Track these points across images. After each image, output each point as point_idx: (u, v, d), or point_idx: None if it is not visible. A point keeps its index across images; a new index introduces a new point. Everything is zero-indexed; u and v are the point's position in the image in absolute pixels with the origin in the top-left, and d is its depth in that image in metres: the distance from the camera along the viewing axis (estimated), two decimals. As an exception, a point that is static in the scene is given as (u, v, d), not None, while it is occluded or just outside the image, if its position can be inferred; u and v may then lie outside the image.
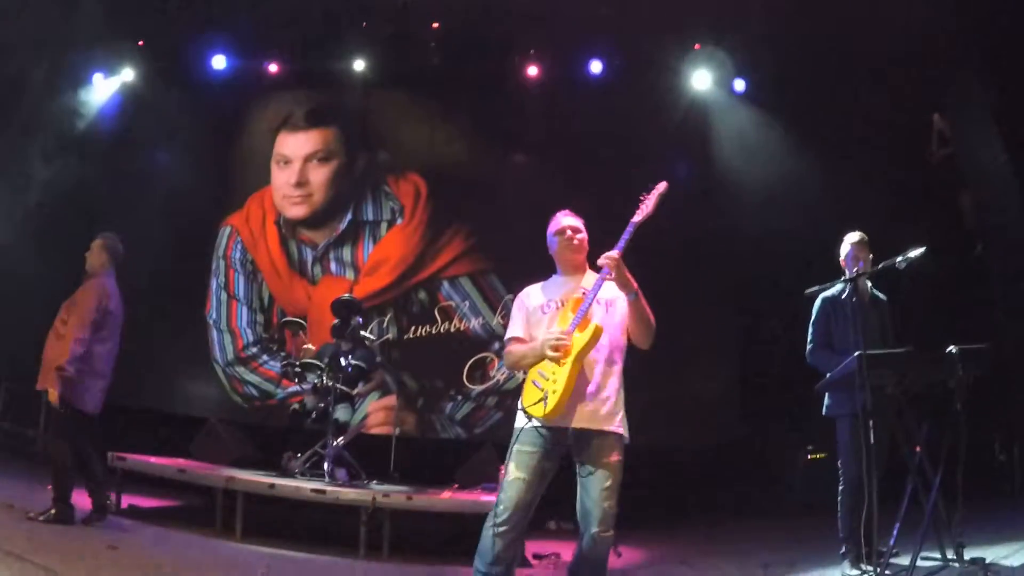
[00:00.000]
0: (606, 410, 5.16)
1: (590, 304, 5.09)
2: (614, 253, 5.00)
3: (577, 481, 5.16)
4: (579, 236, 5.42)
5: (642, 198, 5.14)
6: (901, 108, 9.80)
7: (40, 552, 6.09)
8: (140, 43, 11.32)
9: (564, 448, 5.16)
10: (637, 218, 5.09)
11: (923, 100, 9.97)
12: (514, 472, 5.10)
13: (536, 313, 5.38)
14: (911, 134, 10.31)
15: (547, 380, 5.11)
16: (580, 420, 5.10)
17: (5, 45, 9.69)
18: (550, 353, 5.03)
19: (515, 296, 5.56)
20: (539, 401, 5.10)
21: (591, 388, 5.12)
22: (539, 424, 5.10)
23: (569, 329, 5.05)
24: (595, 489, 5.04)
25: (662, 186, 5.16)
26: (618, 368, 5.28)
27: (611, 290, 5.27)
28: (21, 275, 10.00)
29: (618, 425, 5.21)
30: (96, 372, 7.58)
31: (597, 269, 5.12)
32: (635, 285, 5.06)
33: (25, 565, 5.69)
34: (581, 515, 5.11)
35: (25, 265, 10.03)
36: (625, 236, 5.05)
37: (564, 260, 5.46)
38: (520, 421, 5.19)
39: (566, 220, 5.49)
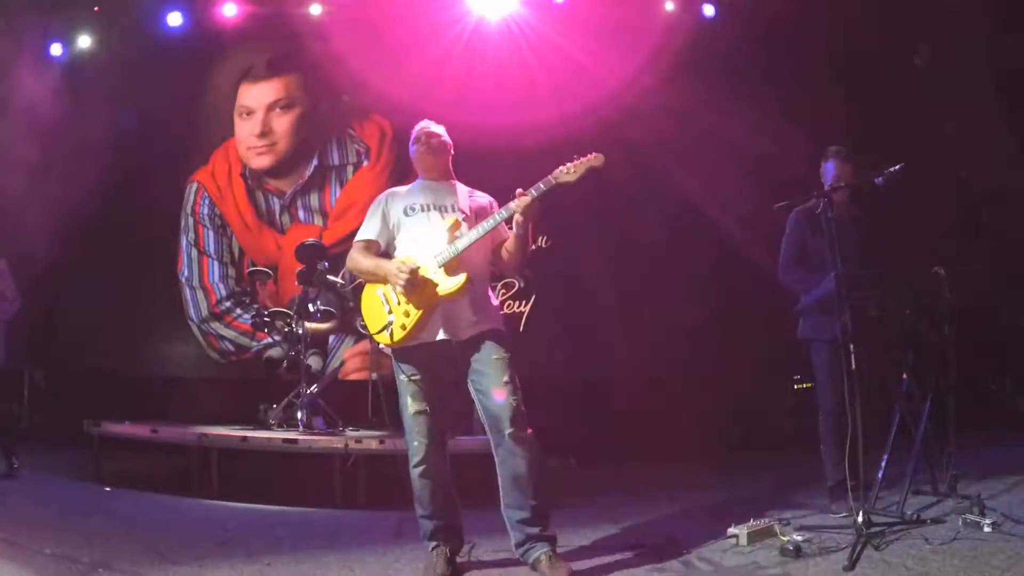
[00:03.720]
0: (479, 315, 4.98)
1: (468, 245, 4.93)
2: (526, 200, 4.81)
3: (471, 390, 4.97)
4: (435, 139, 5.28)
5: (574, 160, 4.84)
6: (883, 25, 9.58)
7: (10, 524, 6.05)
8: (96, 8, 11.10)
9: (449, 354, 4.98)
10: (558, 179, 4.82)
11: (908, 17, 9.73)
12: (412, 405, 4.93)
13: (399, 215, 5.17)
14: (894, 52, 10.08)
15: (396, 305, 4.96)
16: (453, 332, 4.93)
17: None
18: (398, 287, 4.90)
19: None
20: (384, 329, 4.95)
21: (461, 302, 4.93)
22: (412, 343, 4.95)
23: (438, 260, 4.91)
24: (492, 387, 4.84)
25: (597, 159, 4.83)
26: (486, 273, 5.18)
27: (480, 201, 5.25)
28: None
29: (495, 320, 5.09)
30: None
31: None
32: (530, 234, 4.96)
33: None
34: (489, 424, 4.90)
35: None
36: (541, 188, 4.84)
37: (426, 165, 5.31)
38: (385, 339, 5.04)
39: (420, 126, 5.36)
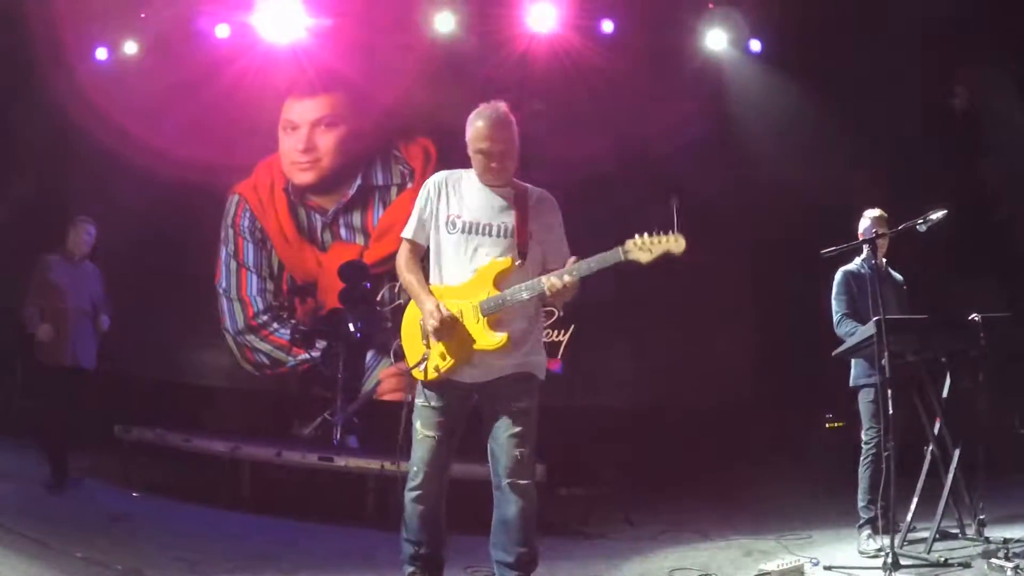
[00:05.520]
0: (518, 354, 4.72)
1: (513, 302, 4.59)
2: (570, 280, 4.45)
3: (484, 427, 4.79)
4: (508, 162, 4.76)
5: (653, 234, 4.42)
6: (923, 68, 9.55)
7: (40, 524, 6.06)
8: (142, 15, 11.09)
9: (471, 396, 4.80)
10: (628, 254, 4.43)
11: (947, 61, 9.70)
12: (421, 430, 4.75)
13: (442, 226, 4.81)
14: (933, 95, 10.06)
15: (434, 343, 4.69)
16: (486, 373, 4.71)
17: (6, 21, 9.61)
18: (429, 331, 4.65)
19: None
20: (419, 363, 4.73)
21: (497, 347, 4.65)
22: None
23: (482, 308, 4.61)
24: (502, 434, 4.66)
25: (677, 244, 4.44)
26: (532, 310, 4.80)
27: (546, 216, 4.82)
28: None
29: (528, 366, 4.77)
30: None
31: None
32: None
33: (15, 537, 5.64)
34: (492, 464, 4.72)
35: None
36: (597, 265, 4.46)
37: (480, 175, 4.82)
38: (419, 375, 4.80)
39: (487, 136, 4.71)
